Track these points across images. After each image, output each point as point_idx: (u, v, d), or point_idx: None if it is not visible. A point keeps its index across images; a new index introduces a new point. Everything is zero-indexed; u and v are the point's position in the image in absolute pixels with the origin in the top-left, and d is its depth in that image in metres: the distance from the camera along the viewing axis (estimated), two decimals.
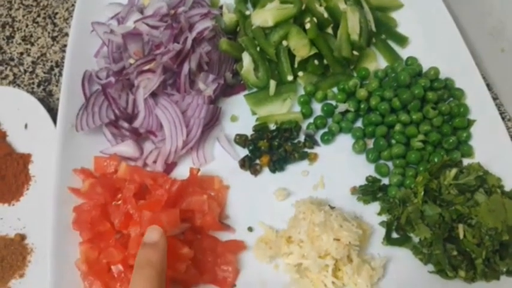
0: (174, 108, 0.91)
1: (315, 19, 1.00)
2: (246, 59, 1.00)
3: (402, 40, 1.07)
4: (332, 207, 0.86)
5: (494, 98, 1.07)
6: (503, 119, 1.04)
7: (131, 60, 0.94)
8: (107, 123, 0.92)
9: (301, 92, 1.02)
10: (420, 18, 1.08)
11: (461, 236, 0.80)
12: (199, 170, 0.89)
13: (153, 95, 0.93)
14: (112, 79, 0.92)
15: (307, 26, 0.99)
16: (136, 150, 0.92)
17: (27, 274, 0.85)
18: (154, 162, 0.91)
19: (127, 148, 0.91)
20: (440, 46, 1.03)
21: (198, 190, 0.86)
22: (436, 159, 0.90)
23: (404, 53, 1.06)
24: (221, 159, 0.95)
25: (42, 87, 1.08)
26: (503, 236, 0.79)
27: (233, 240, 0.85)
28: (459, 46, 1.01)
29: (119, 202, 0.83)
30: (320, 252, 0.79)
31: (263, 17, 0.99)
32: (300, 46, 0.98)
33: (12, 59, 1.11)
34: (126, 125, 0.92)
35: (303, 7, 1.00)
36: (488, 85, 1.08)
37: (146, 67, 0.92)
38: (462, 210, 0.81)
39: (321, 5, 1.04)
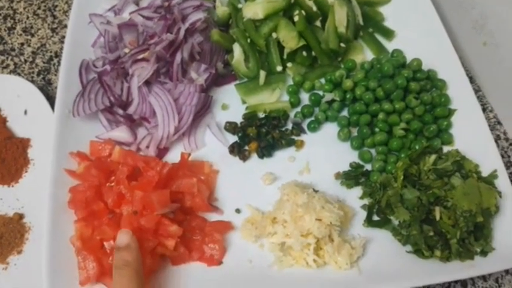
0: (166, 96, 0.95)
1: (303, 12, 1.04)
2: (237, 50, 1.04)
3: (388, 33, 1.11)
4: (316, 191, 0.90)
5: (477, 90, 1.11)
6: (485, 110, 1.09)
7: (126, 50, 0.98)
8: (103, 109, 0.96)
9: (290, 82, 1.06)
10: (406, 12, 1.12)
11: (437, 218, 0.84)
12: (189, 154, 0.93)
13: (147, 83, 0.97)
14: (107, 67, 0.97)
15: (296, 18, 1.02)
16: (130, 136, 0.96)
17: (24, 251, 0.89)
18: (147, 147, 0.95)
19: (121, 133, 0.96)
20: (425, 39, 1.07)
21: (188, 173, 0.90)
22: (417, 147, 0.94)
23: (390, 45, 1.10)
24: (212, 145, 0.99)
25: (41, 76, 1.12)
26: (477, 218, 0.83)
27: (220, 221, 0.89)
28: (443, 39, 1.05)
29: (112, 184, 0.88)
30: (302, 231, 0.83)
31: (254, 10, 1.04)
32: (289, 38, 1.02)
33: (13, 49, 1.16)
34: (120, 111, 0.96)
35: (292, 0, 1.04)
36: (471, 77, 1.13)
37: (140, 56, 0.96)
38: (439, 193, 0.85)
39: None
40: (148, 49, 0.96)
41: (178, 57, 0.98)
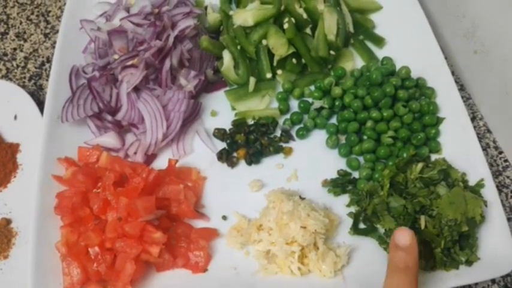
0: (155, 102, 0.96)
1: (293, 19, 1.04)
2: (227, 56, 1.04)
3: (379, 41, 1.11)
4: (302, 198, 0.91)
5: (467, 98, 1.11)
6: (475, 118, 1.09)
7: (116, 56, 0.98)
8: (91, 115, 0.97)
9: (280, 89, 1.06)
10: (397, 20, 1.12)
11: (422, 227, 0.83)
12: (177, 160, 0.94)
13: (136, 89, 0.98)
14: (96, 73, 0.97)
15: (286, 26, 1.03)
16: (118, 142, 0.96)
17: (11, 256, 0.90)
18: (135, 153, 0.95)
19: (110, 139, 0.96)
20: (415, 47, 1.07)
21: (175, 180, 0.90)
22: (404, 155, 0.94)
23: (381, 53, 1.10)
24: (200, 152, 0.99)
25: (33, 81, 1.13)
26: (462, 227, 0.82)
27: (206, 228, 0.89)
28: (433, 47, 1.05)
29: (99, 190, 0.88)
30: (287, 239, 0.83)
31: (244, 17, 1.04)
32: (279, 45, 1.02)
33: (5, 54, 1.16)
34: (109, 117, 0.97)
35: (282, 8, 1.05)
36: (462, 85, 1.13)
37: (129, 62, 0.96)
38: (424, 202, 0.85)
39: (300, 6, 1.08)
40: (138, 55, 0.97)
41: (167, 64, 0.98)
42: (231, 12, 1.10)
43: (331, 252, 0.84)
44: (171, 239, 0.86)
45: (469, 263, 0.84)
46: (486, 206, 0.86)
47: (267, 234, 0.85)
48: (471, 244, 0.84)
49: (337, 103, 1.01)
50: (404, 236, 0.71)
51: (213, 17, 1.12)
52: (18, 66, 1.15)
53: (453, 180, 0.88)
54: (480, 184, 0.89)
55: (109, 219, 0.83)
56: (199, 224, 0.91)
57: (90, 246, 0.83)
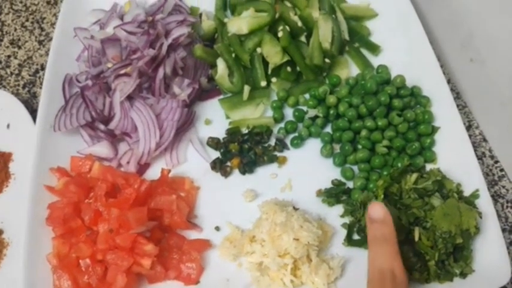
0: (148, 111, 0.95)
1: (287, 27, 1.03)
2: (221, 65, 1.04)
3: (374, 48, 1.10)
4: (296, 209, 0.90)
5: (463, 106, 1.10)
6: (470, 126, 1.08)
7: (109, 64, 0.98)
8: (84, 124, 0.96)
9: (274, 97, 1.06)
10: (393, 27, 1.11)
11: (416, 239, 0.83)
12: (169, 171, 0.93)
13: (129, 98, 0.97)
14: (89, 82, 0.96)
15: (280, 34, 1.02)
16: (111, 151, 0.96)
17: (2, 266, 0.89)
18: (128, 162, 0.95)
19: (102, 149, 0.95)
20: (410, 54, 1.06)
21: (167, 190, 0.89)
22: (399, 164, 0.93)
23: (377, 61, 1.09)
24: (193, 161, 0.98)
25: (27, 89, 1.12)
26: (456, 239, 0.82)
27: (199, 239, 0.88)
28: (428, 55, 1.04)
29: (91, 200, 0.87)
30: (280, 251, 0.82)
31: (238, 25, 1.03)
32: (273, 53, 1.02)
33: None
34: (102, 126, 0.96)
35: (277, 16, 1.04)
36: (458, 93, 1.12)
37: (122, 71, 0.96)
38: (418, 213, 0.84)
39: (295, 14, 1.08)
40: (131, 64, 0.96)
41: (160, 73, 0.97)
42: (225, 20, 1.09)
43: (324, 265, 0.83)
44: (163, 251, 0.85)
45: (463, 275, 0.83)
46: (481, 217, 0.85)
47: (260, 245, 0.84)
48: (466, 256, 0.83)
49: (331, 112, 1.01)
50: (377, 209, 0.75)
51: (207, 25, 1.11)
52: (12, 73, 1.14)
53: (448, 191, 0.88)
54: (475, 195, 0.88)
55: (100, 230, 0.83)
56: (191, 234, 0.90)
57: (82, 258, 0.82)
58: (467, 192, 0.90)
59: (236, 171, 0.97)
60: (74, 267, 0.82)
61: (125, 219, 0.81)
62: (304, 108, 1.04)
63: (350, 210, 0.91)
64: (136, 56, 0.96)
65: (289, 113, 1.04)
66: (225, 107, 1.03)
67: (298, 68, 1.05)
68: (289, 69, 1.04)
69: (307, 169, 0.97)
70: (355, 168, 0.96)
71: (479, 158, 1.03)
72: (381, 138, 0.96)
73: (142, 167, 0.96)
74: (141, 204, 0.86)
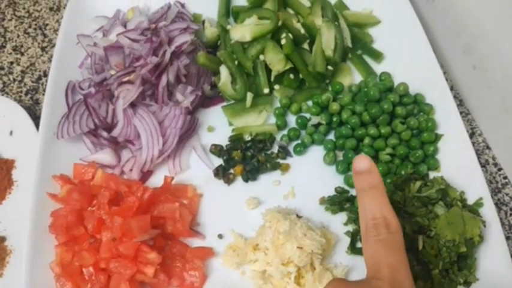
0: (151, 118, 0.95)
1: (290, 35, 1.03)
2: (224, 72, 1.04)
3: (377, 56, 1.10)
4: (299, 217, 0.90)
5: (466, 114, 1.10)
6: (474, 134, 1.08)
7: (112, 72, 0.98)
8: (87, 132, 0.96)
9: (277, 104, 1.06)
10: (396, 35, 1.11)
11: (420, 247, 0.82)
12: (172, 178, 0.93)
13: (132, 105, 0.97)
14: (92, 89, 0.97)
15: (283, 41, 1.02)
16: (114, 159, 0.96)
17: (5, 274, 0.89)
18: (131, 170, 0.95)
19: (105, 156, 0.95)
20: (413, 62, 1.06)
21: (170, 198, 0.89)
22: (402, 172, 0.93)
23: (379, 68, 1.09)
24: (196, 168, 0.98)
25: (29, 95, 1.12)
26: (460, 248, 0.82)
27: (202, 247, 0.88)
28: (431, 62, 1.04)
29: (94, 208, 0.87)
30: (283, 259, 0.82)
31: (241, 32, 1.03)
32: (276, 61, 1.02)
33: (2, 68, 1.16)
34: (105, 134, 0.96)
35: (280, 23, 1.04)
36: (461, 101, 1.12)
37: (126, 78, 0.96)
38: (422, 222, 0.84)
39: (298, 21, 1.08)
40: (134, 71, 0.96)
41: (163, 80, 0.98)
42: (228, 27, 1.09)
43: (327, 273, 0.83)
44: (166, 259, 0.85)
45: (467, 284, 0.83)
46: (485, 226, 0.85)
47: (263, 254, 0.84)
48: (469, 265, 0.83)
49: (334, 119, 1.01)
50: (362, 162, 0.70)
51: (210, 32, 1.11)
52: (15, 80, 1.14)
53: (451, 200, 0.87)
54: (479, 203, 0.88)
55: (103, 238, 0.83)
56: (194, 242, 0.90)
57: (85, 266, 0.82)
58: (470, 200, 0.89)
59: (239, 179, 0.97)
60: (77, 276, 0.82)
61: (128, 228, 0.81)
62: (307, 115, 1.04)
63: (353, 218, 0.91)
64: (140, 63, 0.96)
65: (292, 120, 1.04)
66: (228, 114, 1.03)
67: (301, 75, 1.05)
68: (292, 76, 1.04)
69: (310, 176, 0.97)
70: None
71: (483, 165, 1.02)
72: (384, 145, 0.95)
73: (145, 174, 0.96)
74: (144, 212, 0.86)
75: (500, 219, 0.88)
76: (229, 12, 1.16)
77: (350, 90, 1.05)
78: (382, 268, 0.61)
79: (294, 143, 1.01)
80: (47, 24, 1.23)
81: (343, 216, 0.93)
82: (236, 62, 1.03)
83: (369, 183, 0.68)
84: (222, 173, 0.97)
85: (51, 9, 1.26)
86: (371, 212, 0.66)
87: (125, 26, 1.06)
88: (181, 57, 1.01)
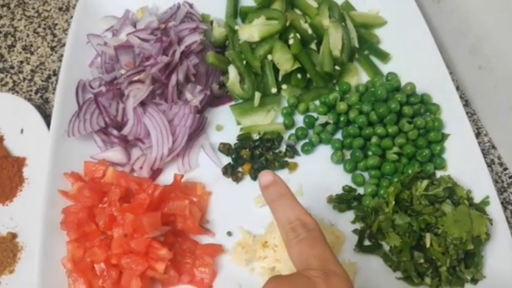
0: (161, 117, 0.96)
1: (298, 35, 1.04)
2: (232, 71, 1.05)
3: (384, 56, 1.11)
4: None
5: (472, 114, 1.11)
6: (479, 133, 1.09)
7: (122, 71, 0.99)
8: (97, 130, 0.97)
9: (285, 104, 1.07)
10: (402, 35, 1.12)
11: (427, 245, 0.84)
12: (182, 176, 0.94)
13: (142, 104, 0.98)
14: (103, 88, 0.98)
15: (291, 41, 1.03)
16: (124, 156, 0.97)
17: (16, 270, 0.89)
18: (141, 168, 0.96)
19: (115, 154, 0.96)
20: (420, 62, 1.07)
21: (181, 195, 0.90)
22: (409, 171, 0.94)
23: (386, 68, 1.10)
24: (205, 166, 0.99)
25: (39, 94, 1.13)
26: (467, 246, 0.83)
27: (211, 244, 0.89)
28: (437, 63, 1.05)
29: (105, 205, 0.88)
30: None
31: (250, 32, 1.04)
32: (284, 60, 1.03)
33: (12, 67, 1.17)
34: (115, 132, 0.97)
35: (288, 23, 1.05)
36: (466, 101, 1.13)
37: (136, 78, 0.97)
38: (429, 219, 0.85)
39: (305, 22, 1.09)
40: (144, 71, 0.97)
41: (173, 79, 0.99)
42: (236, 27, 1.10)
43: None
44: (177, 255, 0.86)
45: (474, 281, 0.84)
46: (491, 224, 0.86)
47: (272, 251, 0.85)
48: (476, 262, 0.84)
49: (342, 118, 1.02)
50: (266, 176, 0.70)
51: (218, 32, 1.12)
52: (25, 79, 1.16)
53: (458, 198, 0.88)
54: (485, 202, 0.89)
55: (115, 235, 0.83)
56: (203, 239, 0.91)
57: (96, 262, 0.83)
58: (477, 199, 0.90)
59: (247, 177, 0.98)
60: (89, 271, 0.82)
61: (140, 224, 0.82)
62: (315, 114, 1.05)
63: (361, 216, 0.92)
64: (150, 62, 0.98)
65: (299, 119, 1.05)
66: (236, 113, 1.04)
67: (308, 75, 1.06)
68: (299, 76, 1.05)
69: (317, 175, 0.98)
70: (366, 174, 0.97)
71: (489, 165, 1.03)
72: (391, 145, 0.96)
73: (155, 173, 0.97)
74: (154, 209, 0.87)
75: (506, 218, 0.89)
76: (237, 13, 1.17)
77: (357, 90, 1.06)
78: (311, 261, 0.61)
79: (302, 142, 1.02)
80: (56, 24, 1.24)
81: (350, 214, 0.94)
82: (244, 62, 1.04)
83: (277, 192, 0.68)
84: (231, 171, 0.98)
85: (60, 9, 1.27)
86: (286, 218, 0.65)
87: (134, 26, 1.07)
88: (191, 56, 1.02)
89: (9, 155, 1.00)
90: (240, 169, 0.99)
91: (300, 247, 0.63)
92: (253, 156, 0.99)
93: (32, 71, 1.17)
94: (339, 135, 1.03)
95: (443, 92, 1.02)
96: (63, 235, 0.87)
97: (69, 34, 1.07)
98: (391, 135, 0.97)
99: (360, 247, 0.89)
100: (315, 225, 0.65)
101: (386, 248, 0.89)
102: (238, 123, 1.04)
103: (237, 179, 0.98)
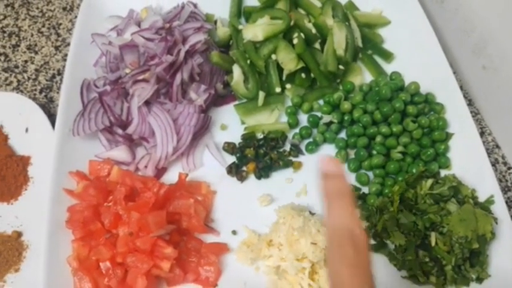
0: (165, 116, 0.97)
1: (302, 35, 1.05)
2: (236, 71, 1.05)
3: (387, 55, 1.11)
4: (312, 214, 0.91)
5: (476, 113, 1.11)
6: (483, 133, 1.09)
7: (127, 70, 0.99)
8: (102, 129, 0.97)
9: (289, 103, 1.07)
10: (406, 35, 1.12)
11: (433, 243, 0.84)
12: (187, 175, 0.94)
13: (147, 103, 0.99)
14: (108, 87, 0.98)
15: (295, 41, 1.04)
16: (129, 155, 0.97)
17: (22, 269, 0.90)
18: (146, 167, 0.96)
19: (120, 153, 0.97)
20: (423, 62, 1.07)
21: (186, 194, 0.90)
22: (414, 170, 0.94)
23: (389, 67, 1.10)
24: (210, 165, 0.99)
25: (44, 93, 1.14)
26: (472, 244, 0.83)
27: (216, 243, 0.89)
28: (441, 62, 1.05)
29: (110, 204, 0.88)
30: (298, 255, 0.83)
31: (254, 32, 1.05)
32: (288, 60, 1.03)
33: (17, 67, 1.17)
34: (120, 131, 0.98)
35: (292, 23, 1.06)
36: (470, 100, 1.13)
37: (141, 77, 0.97)
38: (434, 218, 0.85)
39: (309, 21, 1.09)
40: (149, 70, 0.97)
41: (178, 78, 0.99)
42: (240, 27, 1.11)
43: None
44: (182, 254, 0.86)
45: (479, 280, 0.84)
46: (496, 223, 0.86)
47: (277, 249, 0.85)
48: (481, 261, 0.84)
49: (346, 118, 1.02)
50: (330, 164, 0.66)
51: (222, 31, 1.12)
52: (29, 78, 1.16)
53: (463, 197, 0.89)
54: (490, 201, 0.89)
55: (120, 233, 0.84)
56: (208, 238, 0.91)
57: (102, 261, 0.83)
58: (481, 198, 0.90)
59: (252, 176, 0.99)
60: (94, 270, 0.83)
61: (145, 223, 0.82)
62: (319, 114, 1.05)
63: (366, 215, 0.92)
64: (154, 62, 0.98)
65: (303, 118, 1.05)
66: (240, 113, 1.04)
67: (312, 75, 1.07)
68: (303, 75, 1.06)
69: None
70: (370, 173, 0.97)
71: (492, 164, 1.03)
72: (395, 144, 0.97)
73: (160, 171, 0.97)
74: (160, 207, 0.87)
75: (511, 216, 0.89)
76: (240, 13, 1.17)
77: (361, 89, 1.06)
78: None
79: (306, 141, 1.02)
80: (60, 24, 1.25)
81: None
82: (248, 61, 1.05)
83: (338, 189, 0.64)
84: (235, 171, 0.98)
85: (64, 9, 1.27)
86: (338, 222, 0.61)
87: (138, 26, 1.07)
88: (195, 56, 1.02)
89: (14, 154, 1.01)
90: (244, 168, 0.99)
91: (340, 268, 0.58)
92: (257, 155, 0.99)
93: (36, 70, 1.17)
94: (343, 135, 1.03)
95: (447, 91, 1.02)
96: (68, 234, 0.87)
97: (74, 33, 1.07)
98: (396, 134, 0.97)
99: None
100: (363, 241, 0.60)
101: (391, 246, 0.89)
102: (243, 123, 1.05)
103: (241, 178, 0.98)
